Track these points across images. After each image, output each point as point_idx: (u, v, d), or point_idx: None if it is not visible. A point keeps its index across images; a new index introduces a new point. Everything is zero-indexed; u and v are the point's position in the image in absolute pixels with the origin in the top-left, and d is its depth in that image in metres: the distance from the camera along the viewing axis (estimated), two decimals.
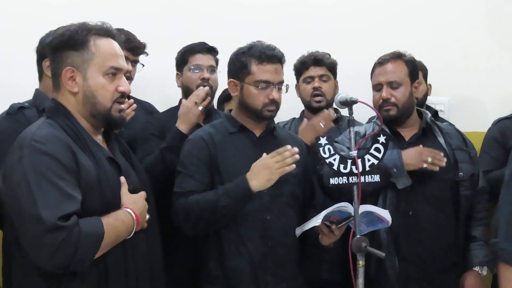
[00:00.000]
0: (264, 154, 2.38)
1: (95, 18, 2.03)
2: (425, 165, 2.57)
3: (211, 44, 3.08)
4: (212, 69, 3.05)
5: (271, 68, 2.49)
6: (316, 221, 2.29)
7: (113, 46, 1.97)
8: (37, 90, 2.65)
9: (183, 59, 3.06)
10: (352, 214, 2.26)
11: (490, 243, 2.12)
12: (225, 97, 3.46)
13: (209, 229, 2.45)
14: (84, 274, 1.83)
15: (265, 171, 2.33)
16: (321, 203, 2.67)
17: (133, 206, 1.95)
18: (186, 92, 3.04)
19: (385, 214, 2.37)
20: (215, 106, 3.33)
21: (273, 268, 2.45)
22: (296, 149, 2.35)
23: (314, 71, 3.19)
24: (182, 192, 2.43)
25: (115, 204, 1.92)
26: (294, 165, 2.34)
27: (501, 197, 2.12)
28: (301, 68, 3.21)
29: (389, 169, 2.56)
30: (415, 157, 2.58)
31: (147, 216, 2.04)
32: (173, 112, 3.05)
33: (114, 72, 1.96)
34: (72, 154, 1.82)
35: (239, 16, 3.62)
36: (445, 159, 2.60)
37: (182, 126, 2.82)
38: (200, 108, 2.87)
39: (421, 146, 2.62)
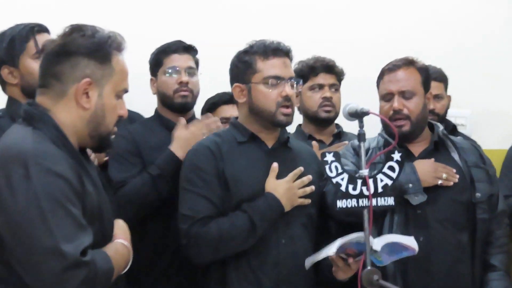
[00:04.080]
0: (275, 164, 2.29)
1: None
2: (440, 182, 2.44)
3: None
4: (191, 71, 2.78)
5: (279, 62, 2.34)
6: (329, 251, 2.10)
7: (126, 65, 1.85)
8: (10, 98, 2.46)
9: (157, 61, 2.79)
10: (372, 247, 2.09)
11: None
12: (210, 107, 3.19)
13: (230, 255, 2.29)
14: None
15: (288, 194, 2.28)
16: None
17: (125, 236, 1.86)
18: (163, 99, 2.79)
19: (411, 241, 2.19)
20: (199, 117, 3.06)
21: None
22: (310, 177, 2.32)
23: (324, 78, 2.99)
24: (197, 217, 2.22)
25: (110, 234, 1.83)
26: (309, 200, 2.33)
27: None
28: (308, 73, 3.00)
29: (403, 185, 2.39)
30: (430, 173, 2.45)
31: None
32: (147, 124, 2.83)
33: (122, 95, 1.85)
34: (79, 177, 1.69)
35: (237, 19, 3.47)
36: (457, 176, 2.47)
37: (180, 152, 2.53)
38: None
39: (432, 159, 2.48)
